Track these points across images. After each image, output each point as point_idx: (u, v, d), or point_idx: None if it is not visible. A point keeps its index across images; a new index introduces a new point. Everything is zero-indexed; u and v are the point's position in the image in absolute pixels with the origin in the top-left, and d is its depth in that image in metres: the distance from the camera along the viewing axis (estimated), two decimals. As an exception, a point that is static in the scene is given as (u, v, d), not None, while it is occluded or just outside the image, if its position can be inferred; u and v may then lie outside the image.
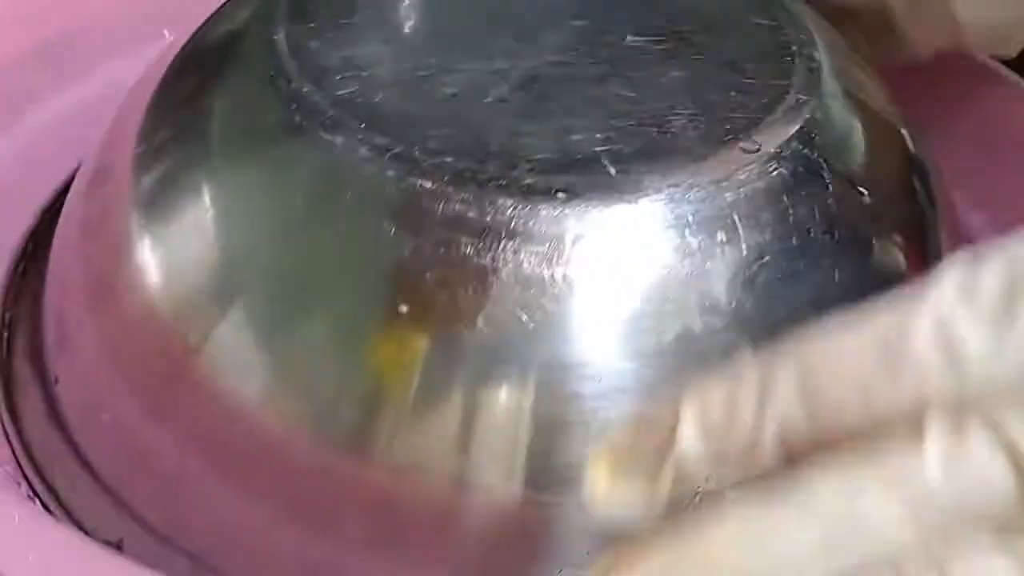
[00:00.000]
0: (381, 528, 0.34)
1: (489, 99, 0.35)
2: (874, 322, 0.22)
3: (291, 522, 0.34)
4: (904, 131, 0.39)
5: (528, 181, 0.33)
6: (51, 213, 0.44)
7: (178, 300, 0.35)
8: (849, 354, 0.22)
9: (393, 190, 0.33)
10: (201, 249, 0.35)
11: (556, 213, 0.32)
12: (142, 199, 0.37)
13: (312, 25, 0.37)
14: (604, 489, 0.23)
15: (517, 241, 0.32)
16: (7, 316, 0.42)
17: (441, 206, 0.32)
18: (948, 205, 0.39)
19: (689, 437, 0.22)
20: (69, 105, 0.47)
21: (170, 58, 0.39)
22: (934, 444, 0.21)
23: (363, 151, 0.33)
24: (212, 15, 0.40)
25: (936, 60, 0.44)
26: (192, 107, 0.37)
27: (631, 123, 0.35)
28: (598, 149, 0.34)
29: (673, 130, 0.35)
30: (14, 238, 0.44)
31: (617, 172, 0.33)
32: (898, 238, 0.36)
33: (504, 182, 0.33)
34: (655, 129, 0.35)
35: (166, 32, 0.44)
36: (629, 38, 0.38)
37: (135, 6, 0.48)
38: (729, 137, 0.35)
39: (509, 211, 0.32)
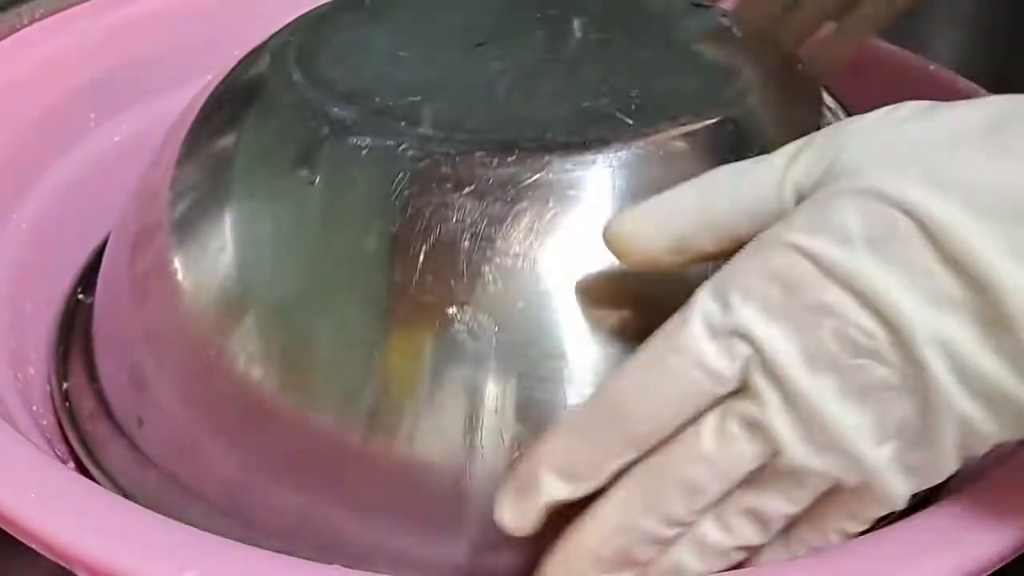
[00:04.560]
0: (390, 497, 0.35)
1: (500, 92, 0.39)
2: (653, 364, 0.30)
3: (303, 486, 0.36)
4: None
5: (561, 139, 0.36)
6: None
7: (210, 299, 0.37)
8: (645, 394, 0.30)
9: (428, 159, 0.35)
10: (231, 255, 0.37)
11: (593, 160, 0.35)
12: (178, 220, 0.40)
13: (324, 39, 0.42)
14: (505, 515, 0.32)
15: (562, 191, 0.35)
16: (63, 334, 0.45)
17: (475, 170, 0.35)
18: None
19: (552, 485, 0.31)
20: (116, 139, 0.50)
21: (205, 96, 0.42)
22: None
23: (389, 125, 0.37)
24: (246, 55, 0.43)
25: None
26: (222, 138, 0.40)
27: (626, 91, 0.38)
28: (610, 109, 0.37)
29: (661, 91, 0.38)
30: (72, 269, 0.47)
31: (634, 123, 0.37)
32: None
33: (541, 143, 0.36)
34: (644, 93, 0.38)
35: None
36: (592, 35, 0.42)
37: (178, 49, 0.52)
38: (711, 100, 0.38)
39: (548, 165, 0.35)
